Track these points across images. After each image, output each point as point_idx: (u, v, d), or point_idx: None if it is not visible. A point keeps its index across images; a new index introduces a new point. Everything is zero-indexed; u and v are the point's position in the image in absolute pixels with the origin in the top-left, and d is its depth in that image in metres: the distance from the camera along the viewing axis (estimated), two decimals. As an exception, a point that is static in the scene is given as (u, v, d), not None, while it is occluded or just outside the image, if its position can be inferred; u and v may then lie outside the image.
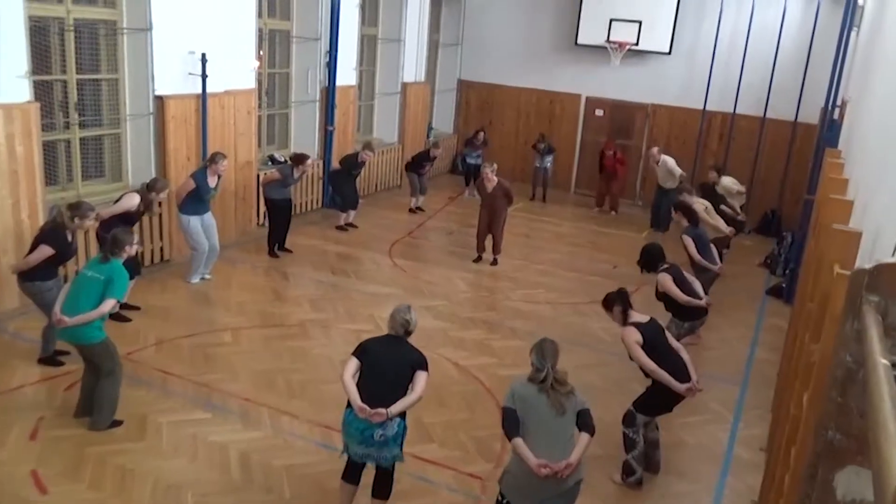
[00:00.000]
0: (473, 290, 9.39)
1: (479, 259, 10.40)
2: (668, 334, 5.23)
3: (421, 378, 4.32)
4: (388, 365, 4.33)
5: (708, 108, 14.08)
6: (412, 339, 4.55)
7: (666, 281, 6.53)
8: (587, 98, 15.18)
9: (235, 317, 7.80)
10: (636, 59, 14.35)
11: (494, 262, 10.31)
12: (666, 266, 6.61)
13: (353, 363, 4.35)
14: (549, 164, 14.40)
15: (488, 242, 10.39)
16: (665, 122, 14.58)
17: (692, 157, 14.18)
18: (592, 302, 8.74)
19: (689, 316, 6.76)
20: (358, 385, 4.31)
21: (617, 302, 5.19)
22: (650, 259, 6.64)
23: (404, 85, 14.15)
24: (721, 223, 9.55)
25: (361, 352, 4.40)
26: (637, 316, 5.18)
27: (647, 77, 14.48)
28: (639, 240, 12.13)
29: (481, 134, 14.45)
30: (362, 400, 4.23)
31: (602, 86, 14.88)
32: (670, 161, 12.55)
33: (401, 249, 10.70)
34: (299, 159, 9.64)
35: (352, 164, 11.17)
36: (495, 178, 10.01)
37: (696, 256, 7.81)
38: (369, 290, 8.86)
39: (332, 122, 11.97)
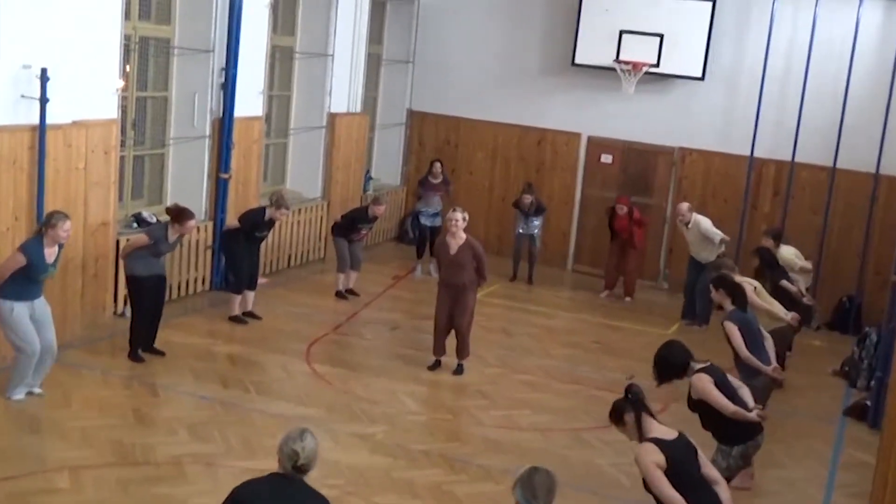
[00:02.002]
0: (428, 410, 9.37)
1: (436, 365, 10.40)
2: (702, 459, 5.30)
3: None
4: None
5: (757, 153, 14.29)
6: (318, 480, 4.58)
7: (703, 383, 6.56)
8: (589, 138, 15.33)
9: (78, 450, 7.63)
10: (657, 85, 14.61)
11: (459, 370, 10.31)
12: (703, 365, 6.66)
13: None
14: (536, 231, 14.47)
15: (450, 341, 10.36)
16: (698, 172, 14.75)
17: (737, 220, 14.31)
18: (600, 427, 8.64)
19: (736, 436, 6.81)
20: None
21: (628, 409, 5.27)
22: (668, 365, 6.60)
23: (332, 117, 14.21)
24: (778, 308, 9.69)
25: (233, 503, 4.36)
26: (659, 430, 5.25)
27: (672, 111, 14.69)
28: (665, 337, 12.02)
29: (438, 166, 14.59)
30: None
31: (610, 122, 15.02)
32: (705, 222, 12.67)
33: (324, 351, 10.67)
34: (178, 215, 9.62)
35: (255, 222, 11.22)
36: (464, 235, 10.02)
37: (742, 350, 7.93)
38: (277, 411, 8.78)
39: (228, 167, 12.01)
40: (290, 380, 9.69)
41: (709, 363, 6.77)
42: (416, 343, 11.03)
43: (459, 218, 9.98)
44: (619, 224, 13.87)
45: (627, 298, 14.13)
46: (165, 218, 9.94)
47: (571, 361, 11.15)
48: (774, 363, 8.19)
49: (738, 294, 8.15)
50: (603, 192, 15.31)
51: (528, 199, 14.24)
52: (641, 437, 5.25)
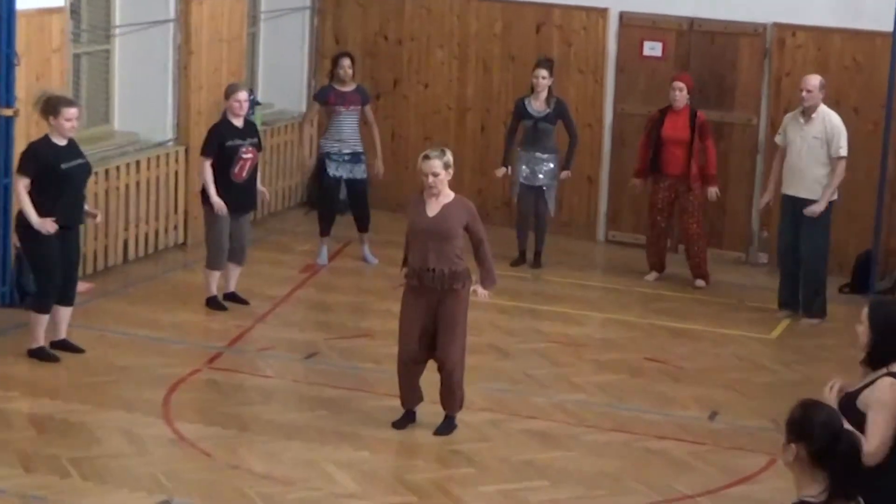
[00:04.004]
0: (376, 490, 9.33)
1: (406, 420, 10.26)
2: None
3: None
4: None
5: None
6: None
7: (888, 395, 6.68)
8: (623, 17, 15.52)
9: None
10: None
11: (446, 428, 10.19)
12: None
13: None
14: (544, 177, 14.32)
15: (427, 379, 10.28)
16: (809, 64, 14.69)
17: (873, 138, 14.15)
18: (667, 502, 9.09)
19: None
20: None
21: (816, 455, 5.16)
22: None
23: (185, 3, 14.38)
24: None
25: None
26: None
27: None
28: (764, 344, 12.76)
29: (348, 63, 14.45)
30: None
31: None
32: (835, 118, 12.69)
33: (193, 401, 10.87)
34: None
35: (44, 155, 10.95)
36: (451, 193, 9.79)
37: None
38: (119, 505, 8.89)
39: (12, 98, 12.19)
40: (140, 452, 9.64)
41: None
42: (349, 378, 11.22)
43: (438, 167, 9.55)
44: (669, 129, 13.73)
45: (699, 282, 14.11)
46: None
47: (611, 394, 11.27)
48: None
49: None
50: (648, 106, 15.05)
51: (544, 76, 14.11)
52: (799, 488, 5.26)
